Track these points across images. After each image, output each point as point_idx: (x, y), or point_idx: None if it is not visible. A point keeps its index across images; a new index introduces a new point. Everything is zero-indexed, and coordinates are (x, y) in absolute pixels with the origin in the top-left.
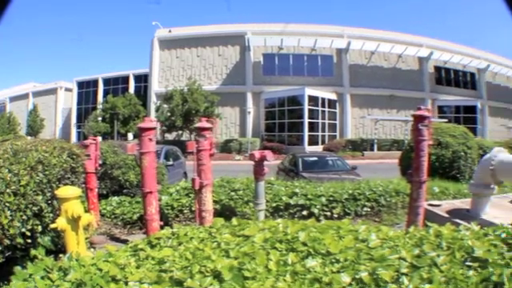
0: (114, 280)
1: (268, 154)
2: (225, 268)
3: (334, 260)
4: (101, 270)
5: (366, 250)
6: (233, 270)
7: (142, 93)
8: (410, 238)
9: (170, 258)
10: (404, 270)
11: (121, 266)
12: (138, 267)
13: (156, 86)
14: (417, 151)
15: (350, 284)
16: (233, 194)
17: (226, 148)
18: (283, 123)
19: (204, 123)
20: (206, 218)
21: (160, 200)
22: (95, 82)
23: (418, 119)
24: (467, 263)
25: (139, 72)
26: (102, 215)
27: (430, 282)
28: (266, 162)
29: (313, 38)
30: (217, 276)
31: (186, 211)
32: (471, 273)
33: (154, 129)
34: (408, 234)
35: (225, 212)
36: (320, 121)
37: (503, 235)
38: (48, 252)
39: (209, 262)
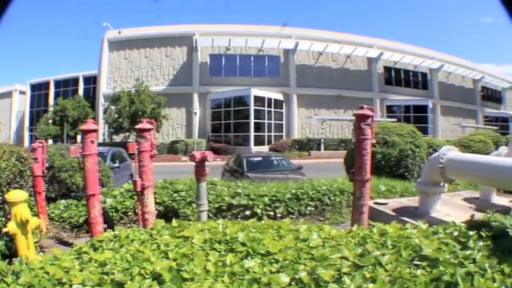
0: (60, 283)
1: (209, 154)
2: (164, 269)
3: (273, 260)
4: (48, 273)
5: (307, 249)
6: (172, 272)
7: (91, 94)
8: (353, 237)
9: (112, 261)
10: (345, 270)
11: (66, 269)
12: (81, 270)
13: (104, 88)
14: (359, 150)
15: (290, 284)
16: (175, 195)
17: (172, 149)
18: (229, 124)
19: (144, 124)
20: (149, 220)
21: (105, 202)
22: (47, 85)
23: (361, 118)
24: (415, 262)
25: (89, 74)
26: (51, 219)
27: (374, 281)
28: (212, 163)
29: (261, 38)
30: (156, 278)
31: (130, 213)
32: (419, 272)
33: (96, 131)
34: (351, 233)
35: (168, 213)
36: (266, 121)
37: (455, 233)
38: (3, 256)
39: (148, 263)
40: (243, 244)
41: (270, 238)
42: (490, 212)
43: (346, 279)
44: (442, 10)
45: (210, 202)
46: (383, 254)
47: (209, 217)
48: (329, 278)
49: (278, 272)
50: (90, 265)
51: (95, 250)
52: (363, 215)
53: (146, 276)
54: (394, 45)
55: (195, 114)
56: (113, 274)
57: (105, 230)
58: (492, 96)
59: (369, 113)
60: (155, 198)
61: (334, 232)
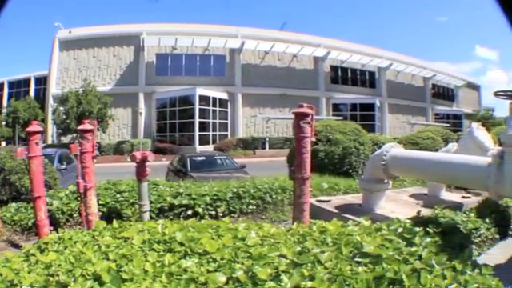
0: (12, 285)
1: (149, 154)
2: (103, 271)
3: (210, 259)
4: (1, 275)
5: (245, 248)
6: (111, 273)
7: (42, 95)
8: (293, 235)
9: (57, 262)
10: (283, 268)
11: (16, 271)
12: (29, 272)
13: (54, 89)
14: (299, 148)
15: (227, 283)
16: (118, 196)
17: (118, 150)
18: (174, 123)
19: (86, 125)
20: (92, 222)
21: (51, 205)
22: (1, 86)
23: (300, 116)
24: (356, 259)
25: (41, 74)
26: (4, 222)
27: (312, 279)
28: (157, 163)
29: (207, 37)
30: (97, 279)
31: (75, 215)
32: (361, 269)
33: (41, 133)
34: (291, 231)
35: (111, 215)
36: (211, 120)
37: (400, 230)
38: None
39: (90, 265)
40: (181, 244)
41: (208, 238)
42: (439, 208)
43: (284, 277)
44: (398, 9)
45: (152, 202)
46: (323, 252)
47: (151, 217)
48: (266, 276)
49: (215, 271)
50: (37, 266)
51: (42, 251)
52: (304, 213)
53: (88, 277)
54: (343, 44)
55: (141, 114)
56: (57, 275)
57: (51, 231)
58: (444, 94)
59: (308, 111)
60: (99, 199)
61: (272, 230)
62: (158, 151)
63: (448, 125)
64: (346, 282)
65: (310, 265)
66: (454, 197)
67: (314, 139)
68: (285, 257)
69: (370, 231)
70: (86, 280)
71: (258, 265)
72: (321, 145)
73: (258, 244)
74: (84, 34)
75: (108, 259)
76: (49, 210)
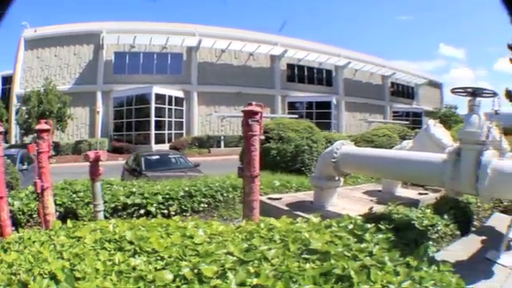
0: None
1: (102, 154)
2: (58, 270)
3: (158, 257)
4: None
5: (192, 246)
6: (65, 272)
7: (7, 95)
8: (241, 233)
9: (18, 262)
10: (229, 265)
11: None
12: None
13: (18, 88)
14: (248, 146)
15: (174, 281)
16: (74, 196)
17: (77, 149)
18: (131, 122)
19: (42, 125)
20: (50, 222)
21: (13, 205)
22: None
23: (249, 114)
24: (304, 256)
25: (7, 74)
26: None
27: (258, 275)
28: (114, 162)
29: (165, 36)
30: (53, 277)
31: (35, 215)
32: (309, 266)
33: (1, 133)
34: (239, 229)
35: (68, 215)
36: (167, 119)
37: (350, 226)
38: None
39: (46, 264)
40: (131, 243)
41: (156, 236)
42: (392, 205)
43: (230, 274)
44: (359, 8)
45: (106, 201)
46: (270, 249)
47: (106, 217)
48: (211, 273)
49: (162, 269)
50: (1, 266)
51: (5, 251)
52: (254, 211)
53: (45, 276)
54: (300, 43)
55: (98, 113)
56: (19, 274)
57: (13, 231)
58: (404, 92)
59: (257, 109)
60: (56, 199)
61: (221, 228)
62: (114, 150)
63: (407, 122)
64: (293, 279)
65: (256, 262)
66: (411, 193)
67: (262, 137)
68: (232, 254)
69: (319, 228)
70: (44, 279)
71: (205, 262)
72: (273, 143)
73: (205, 242)
74: (47, 32)
75: (63, 258)
76: (11, 211)
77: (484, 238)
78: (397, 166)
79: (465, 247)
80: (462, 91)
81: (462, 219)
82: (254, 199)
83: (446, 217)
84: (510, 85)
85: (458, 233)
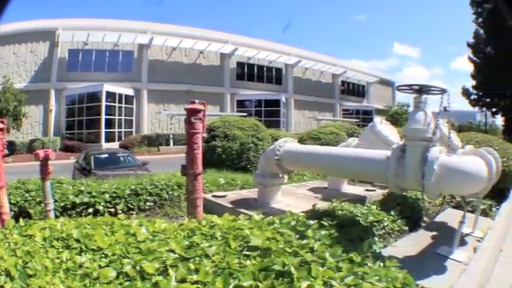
0: None
1: (51, 153)
2: (11, 267)
3: (103, 255)
4: None
5: (136, 243)
6: (18, 269)
7: None
8: (183, 230)
9: None
10: (170, 262)
11: None
12: None
13: None
14: (190, 144)
15: (117, 277)
16: (27, 195)
17: (31, 148)
18: (82, 121)
19: None
20: (5, 220)
21: None
22: None
23: (191, 112)
24: (245, 252)
25: None
26: None
27: (199, 272)
28: (65, 162)
29: (118, 33)
30: (8, 274)
31: None
32: (249, 262)
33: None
34: (182, 226)
35: (22, 213)
36: (117, 117)
37: (293, 223)
38: None
39: (2, 261)
40: (77, 240)
41: (101, 234)
42: (337, 201)
43: (171, 271)
44: (314, 8)
45: (56, 200)
46: (211, 246)
47: (56, 216)
48: (153, 270)
49: (107, 266)
50: None
51: None
52: (198, 208)
53: (1, 273)
54: (251, 41)
55: (51, 111)
56: None
57: None
58: (355, 90)
59: (200, 107)
60: (10, 198)
61: (163, 226)
62: (66, 149)
63: (357, 120)
64: (233, 275)
65: (197, 259)
66: (357, 190)
67: (205, 135)
68: (173, 251)
69: (261, 225)
70: (0, 275)
71: (147, 260)
72: (219, 140)
73: (148, 239)
74: (8, 30)
75: (16, 256)
76: None
77: (434, 233)
78: (340, 164)
79: (414, 243)
80: (407, 88)
81: (410, 215)
82: (198, 197)
83: (392, 213)
84: (467, 83)
85: (406, 228)
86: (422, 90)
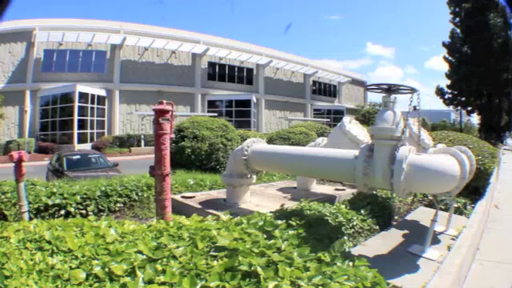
0: None
1: (24, 154)
2: None
3: (73, 257)
4: None
5: (105, 245)
6: None
7: None
8: (151, 231)
9: None
10: (138, 263)
11: None
12: None
13: None
14: (158, 145)
15: (87, 279)
16: (3, 197)
17: (7, 150)
18: (55, 122)
19: None
20: None
21: None
22: None
23: (159, 113)
24: (212, 253)
25: None
26: None
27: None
28: (39, 163)
29: (91, 33)
30: None
31: None
32: (216, 263)
33: None
34: (150, 227)
35: None
36: (89, 118)
37: (260, 223)
38: None
39: None
40: (49, 242)
41: (71, 236)
42: (305, 201)
43: (139, 273)
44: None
45: (30, 202)
46: (178, 247)
47: (30, 218)
48: (121, 272)
49: (77, 268)
50: None
51: None
52: (166, 209)
53: None
54: (223, 41)
55: (26, 112)
56: None
57: None
58: (326, 90)
59: (167, 108)
60: None
61: (132, 227)
62: (41, 150)
63: (328, 120)
64: (200, 276)
65: (164, 260)
66: (327, 189)
67: (173, 135)
68: (141, 253)
69: (229, 225)
70: None
71: (116, 261)
72: (187, 141)
73: (117, 241)
74: None
75: None
76: None
77: (406, 232)
78: (308, 163)
79: (385, 241)
80: (376, 88)
81: (381, 213)
82: (166, 198)
83: (362, 212)
84: (442, 82)
85: (377, 227)
86: (390, 90)
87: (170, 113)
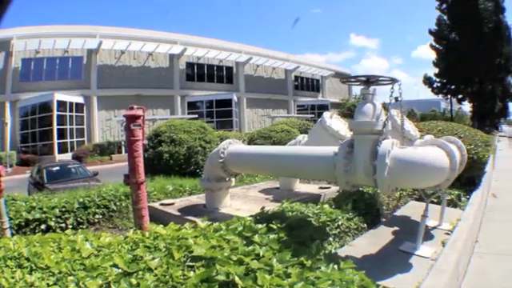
0: None
1: (1, 168)
2: None
3: (50, 273)
4: None
5: (81, 260)
6: None
7: None
8: (127, 243)
9: None
10: (113, 278)
11: None
12: None
13: None
14: (131, 152)
15: None
16: None
17: None
18: (35, 132)
19: None
20: None
21: None
22: None
23: (131, 119)
24: (189, 263)
25: None
26: None
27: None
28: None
29: (67, 39)
30: None
31: None
32: (193, 273)
33: None
34: (126, 239)
35: None
36: (69, 127)
37: (240, 228)
38: None
39: None
40: (28, 259)
41: (48, 252)
42: (287, 202)
43: (114, 287)
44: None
45: (11, 218)
46: (153, 258)
47: (13, 234)
48: (96, 287)
49: (54, 285)
50: None
51: None
52: (143, 219)
53: None
54: (200, 40)
55: (6, 124)
56: None
57: None
58: (309, 85)
59: (139, 113)
60: None
61: (108, 240)
62: (23, 163)
63: (312, 116)
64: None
65: (140, 273)
66: (311, 188)
67: (146, 142)
68: (117, 266)
69: (207, 232)
70: None
71: (91, 276)
72: (165, 146)
73: (93, 255)
74: None
75: None
76: None
77: (396, 228)
78: (286, 164)
79: (373, 240)
80: (354, 80)
81: (368, 211)
82: (143, 207)
83: (347, 210)
84: (429, 71)
85: (365, 226)
86: (369, 81)
87: (142, 118)
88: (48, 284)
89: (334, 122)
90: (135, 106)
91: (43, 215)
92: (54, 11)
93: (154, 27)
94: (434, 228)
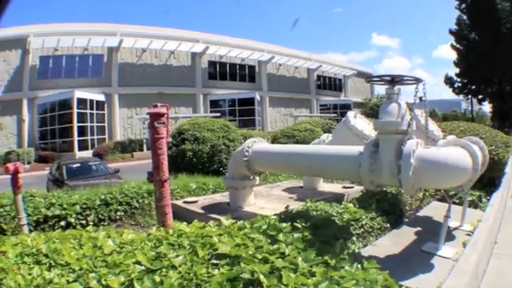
0: None
1: (19, 166)
2: None
3: (70, 270)
4: None
5: (103, 256)
6: None
7: None
8: (150, 240)
9: None
10: (136, 275)
11: None
12: None
13: None
14: (155, 150)
15: None
16: (1, 210)
17: (6, 160)
18: (55, 129)
19: None
20: None
21: None
22: None
23: (154, 117)
24: (213, 261)
25: None
26: None
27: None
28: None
29: (87, 37)
30: None
31: None
32: (217, 271)
33: None
34: (149, 236)
35: None
36: (89, 124)
37: (264, 227)
38: None
39: None
40: (46, 256)
41: (69, 249)
42: (311, 201)
43: (136, 285)
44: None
45: (29, 214)
46: (177, 256)
47: (31, 230)
48: (117, 284)
49: (74, 281)
50: None
51: None
52: (167, 216)
53: None
54: (223, 39)
55: (24, 121)
56: None
57: None
58: (331, 84)
59: (163, 111)
60: None
61: (130, 236)
62: (41, 160)
63: (335, 115)
64: (201, 286)
65: (164, 270)
66: (335, 188)
67: (170, 139)
68: (140, 263)
69: (231, 231)
70: None
71: (113, 273)
72: (188, 144)
73: (115, 252)
74: None
75: None
76: None
77: (419, 229)
78: (311, 163)
79: (396, 240)
80: (378, 80)
81: (392, 211)
82: (166, 204)
83: (371, 210)
84: (450, 70)
85: (388, 226)
86: (394, 81)
87: (166, 116)
88: (68, 281)
89: (358, 121)
90: (159, 104)
91: (63, 212)
92: (73, 10)
93: (175, 25)
94: (456, 229)
